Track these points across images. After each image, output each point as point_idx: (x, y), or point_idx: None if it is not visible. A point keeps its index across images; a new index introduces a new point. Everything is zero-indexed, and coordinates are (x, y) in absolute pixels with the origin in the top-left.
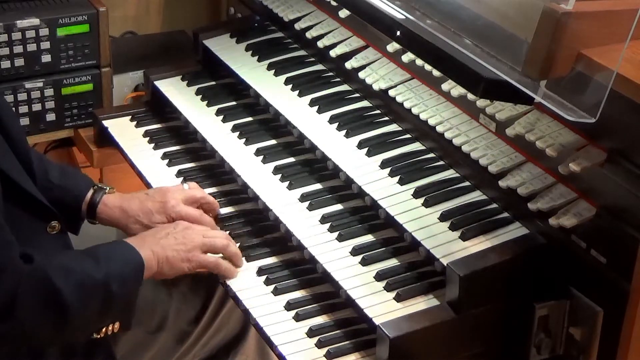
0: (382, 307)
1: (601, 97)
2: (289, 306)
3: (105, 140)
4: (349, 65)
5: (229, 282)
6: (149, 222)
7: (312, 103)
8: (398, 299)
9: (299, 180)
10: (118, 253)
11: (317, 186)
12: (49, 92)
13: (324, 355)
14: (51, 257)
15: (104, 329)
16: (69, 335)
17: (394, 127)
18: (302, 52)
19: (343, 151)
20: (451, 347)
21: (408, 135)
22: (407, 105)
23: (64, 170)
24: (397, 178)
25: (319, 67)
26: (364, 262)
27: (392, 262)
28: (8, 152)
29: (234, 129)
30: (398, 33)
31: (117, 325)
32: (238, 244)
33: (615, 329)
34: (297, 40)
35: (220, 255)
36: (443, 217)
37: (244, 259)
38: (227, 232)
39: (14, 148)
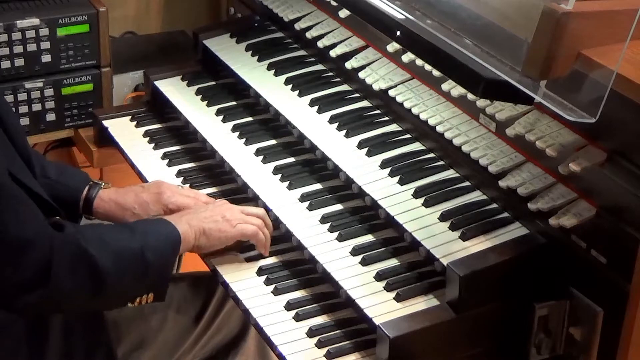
0: (382, 307)
1: (601, 97)
2: (289, 306)
3: (105, 140)
4: (349, 65)
5: (229, 282)
6: (145, 214)
7: (312, 103)
8: (398, 299)
9: (299, 180)
10: (154, 226)
11: (317, 186)
12: (49, 92)
13: (324, 355)
14: (83, 227)
15: (137, 299)
16: (104, 303)
17: (394, 127)
18: (302, 52)
19: (343, 151)
20: (451, 347)
21: (408, 135)
22: (407, 105)
23: (60, 167)
24: (397, 178)
25: (319, 67)
26: (364, 262)
27: (392, 262)
28: (9, 148)
29: (234, 129)
30: (398, 33)
31: (150, 296)
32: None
33: (615, 329)
34: (297, 40)
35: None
36: (443, 217)
37: (244, 259)
38: None
39: (15, 145)
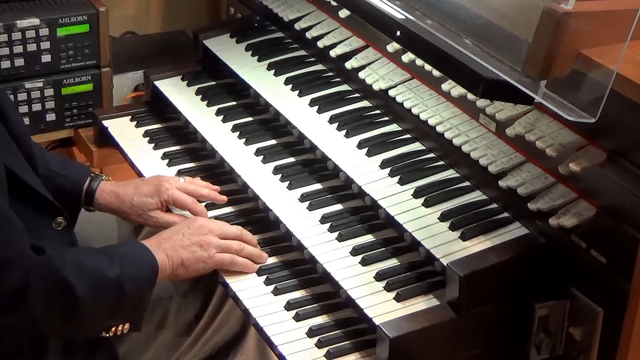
0: (382, 307)
1: (601, 97)
2: (289, 306)
3: (105, 140)
4: (349, 65)
5: (229, 282)
6: (144, 207)
7: (312, 103)
8: (398, 299)
9: (299, 180)
10: (133, 253)
11: (317, 186)
12: (49, 92)
13: (324, 355)
14: (63, 251)
15: (113, 328)
16: (77, 330)
17: (394, 127)
18: (302, 52)
19: (343, 151)
20: (451, 347)
21: (408, 135)
22: (407, 105)
23: (63, 160)
24: (397, 178)
25: (319, 67)
26: (364, 262)
27: (392, 262)
28: (13, 148)
29: (234, 129)
30: (398, 33)
31: (127, 325)
32: None
33: (615, 329)
34: (297, 40)
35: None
36: (443, 217)
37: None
38: None
39: (17, 142)
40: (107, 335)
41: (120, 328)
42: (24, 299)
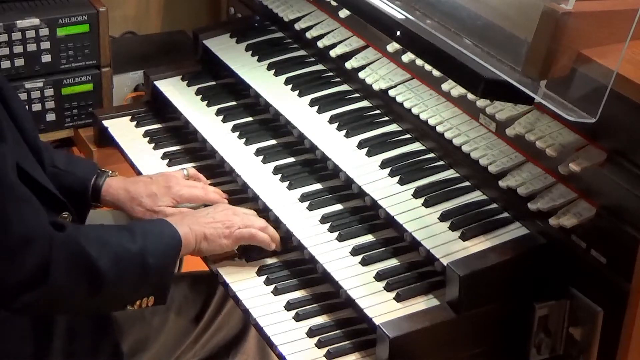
0: (382, 307)
1: (601, 97)
2: (289, 306)
3: (105, 140)
4: (349, 65)
5: (230, 282)
6: (154, 205)
7: (312, 103)
8: (398, 299)
9: (299, 180)
10: (155, 228)
11: (317, 186)
12: (49, 92)
13: (324, 355)
14: (83, 228)
15: (138, 302)
16: (103, 305)
17: (394, 127)
18: (302, 52)
19: (343, 151)
20: (451, 347)
21: (408, 135)
22: (407, 105)
23: (69, 156)
24: (397, 178)
25: (319, 67)
26: (364, 262)
27: (392, 262)
28: (20, 143)
29: (234, 129)
30: (398, 33)
31: (151, 299)
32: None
33: (615, 329)
34: (297, 40)
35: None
36: (443, 217)
37: (244, 259)
38: None
39: (24, 137)
40: (132, 308)
41: (145, 301)
42: (47, 276)
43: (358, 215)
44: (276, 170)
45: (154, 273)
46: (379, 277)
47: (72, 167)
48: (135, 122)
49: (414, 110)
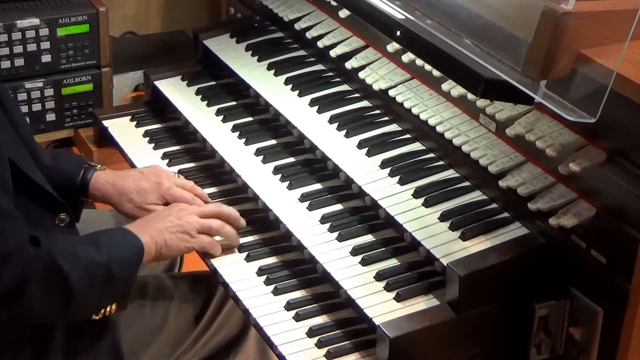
0: (382, 307)
1: (601, 97)
2: (289, 306)
3: (105, 140)
4: (349, 65)
5: (229, 282)
6: (142, 202)
7: (312, 103)
8: (398, 299)
9: (299, 180)
10: (119, 239)
11: (317, 186)
12: (49, 92)
13: (324, 355)
14: (56, 241)
15: (102, 310)
16: (71, 315)
17: (394, 127)
18: (302, 52)
19: (343, 151)
20: (451, 347)
21: (408, 135)
22: (407, 105)
23: (54, 152)
24: (397, 178)
25: (319, 67)
26: (364, 262)
27: (392, 262)
28: (17, 142)
29: (234, 129)
30: (398, 33)
31: (114, 306)
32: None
33: (615, 329)
34: (297, 40)
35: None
36: (443, 217)
37: (244, 259)
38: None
39: (20, 136)
40: (97, 317)
41: (108, 309)
42: (22, 293)
43: (358, 215)
44: (276, 170)
45: (119, 283)
46: (379, 277)
47: (57, 163)
48: (135, 122)
49: (414, 110)
